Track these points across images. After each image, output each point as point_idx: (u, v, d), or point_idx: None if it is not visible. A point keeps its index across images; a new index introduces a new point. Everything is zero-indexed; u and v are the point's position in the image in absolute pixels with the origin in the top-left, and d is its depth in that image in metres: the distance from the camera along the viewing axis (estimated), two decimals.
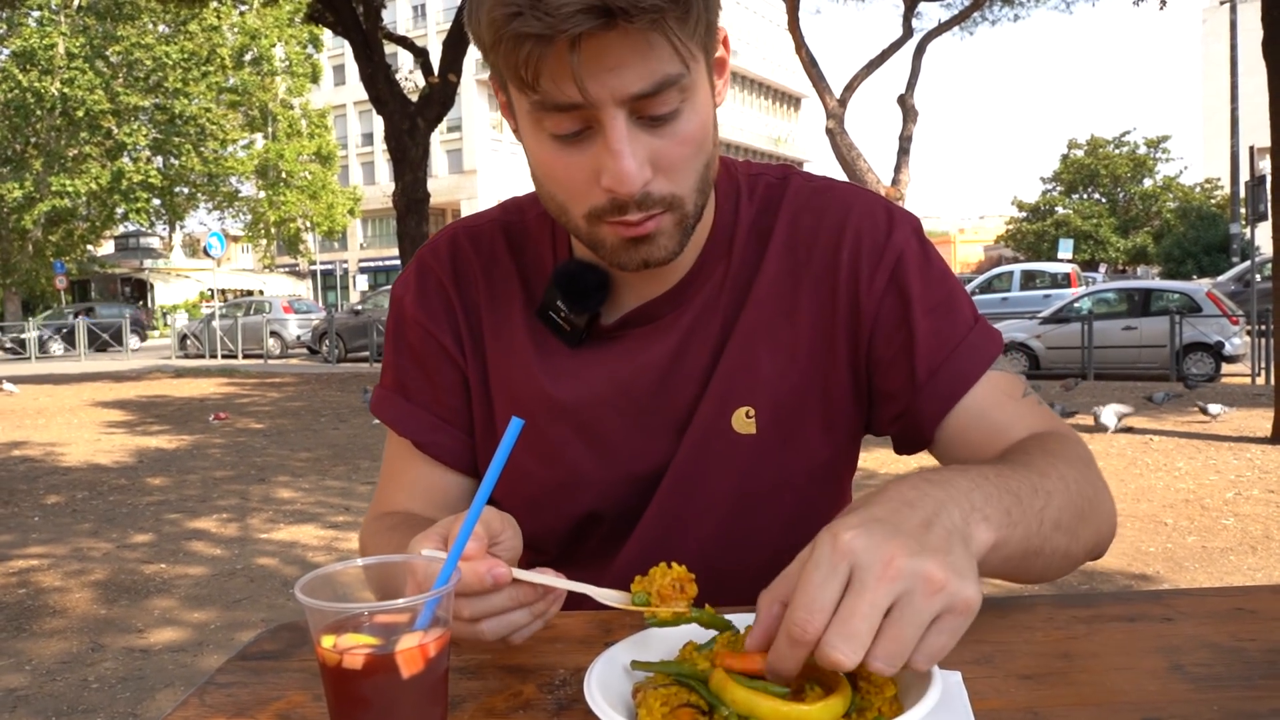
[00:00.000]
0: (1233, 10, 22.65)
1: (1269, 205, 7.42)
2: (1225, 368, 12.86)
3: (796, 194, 1.04)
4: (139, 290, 46.20)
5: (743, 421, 1.00)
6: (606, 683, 0.68)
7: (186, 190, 37.92)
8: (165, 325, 37.22)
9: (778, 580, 0.66)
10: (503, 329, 1.05)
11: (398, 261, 15.76)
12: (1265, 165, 8.20)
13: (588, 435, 1.03)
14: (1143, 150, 48.28)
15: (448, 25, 15.58)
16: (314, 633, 0.64)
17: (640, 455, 1.02)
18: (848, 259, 1.00)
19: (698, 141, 0.88)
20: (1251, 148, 13.24)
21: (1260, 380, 11.61)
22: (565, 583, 0.75)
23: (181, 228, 44.72)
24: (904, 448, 1.05)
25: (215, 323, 24.06)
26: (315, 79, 40.94)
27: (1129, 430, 8.00)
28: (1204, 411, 8.26)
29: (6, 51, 32.16)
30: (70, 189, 33.17)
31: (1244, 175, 16.69)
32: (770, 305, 1.01)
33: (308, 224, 42.08)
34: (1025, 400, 0.99)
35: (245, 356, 23.12)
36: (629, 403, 1.02)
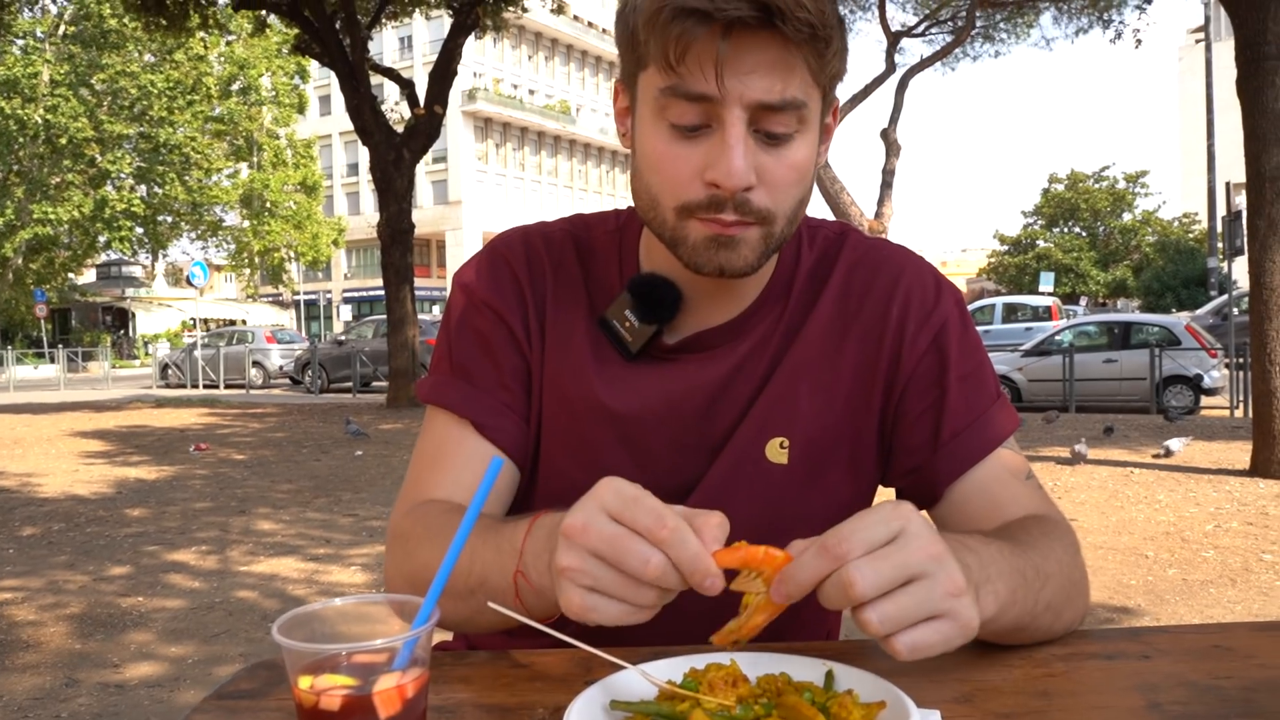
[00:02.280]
0: (1208, 49, 23.03)
1: (1245, 240, 7.50)
2: (1204, 400, 12.96)
3: (854, 248, 1.10)
4: (120, 319, 45.95)
5: (776, 451, 1.04)
6: None
7: (170, 219, 37.88)
8: (147, 354, 37.00)
9: (827, 532, 0.71)
10: (563, 328, 1.07)
11: (381, 292, 15.73)
12: (1241, 201, 8.31)
13: (630, 444, 1.05)
14: (1122, 185, 48.80)
15: (434, 57, 15.67)
16: (291, 673, 0.63)
17: (675, 470, 1.05)
18: (897, 316, 1.05)
19: (801, 173, 0.93)
20: (1228, 183, 13.39)
21: (1239, 413, 11.69)
22: (626, 664, 0.75)
23: (164, 256, 44.59)
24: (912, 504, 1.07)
25: (197, 352, 23.93)
26: (301, 109, 41.06)
27: (1090, 461, 8.04)
28: (1167, 451, 8.31)
29: None
30: (53, 217, 33.08)
31: (1221, 210, 16.89)
32: (817, 346, 1.05)
33: (292, 254, 42.03)
34: (1028, 483, 1.05)
35: (227, 386, 22.98)
36: (675, 420, 1.05)
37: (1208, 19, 23.38)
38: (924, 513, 0.75)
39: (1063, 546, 0.94)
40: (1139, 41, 18.44)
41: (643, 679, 0.73)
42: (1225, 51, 8.42)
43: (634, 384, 1.05)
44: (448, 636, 1.21)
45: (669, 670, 0.75)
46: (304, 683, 0.62)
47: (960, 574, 0.70)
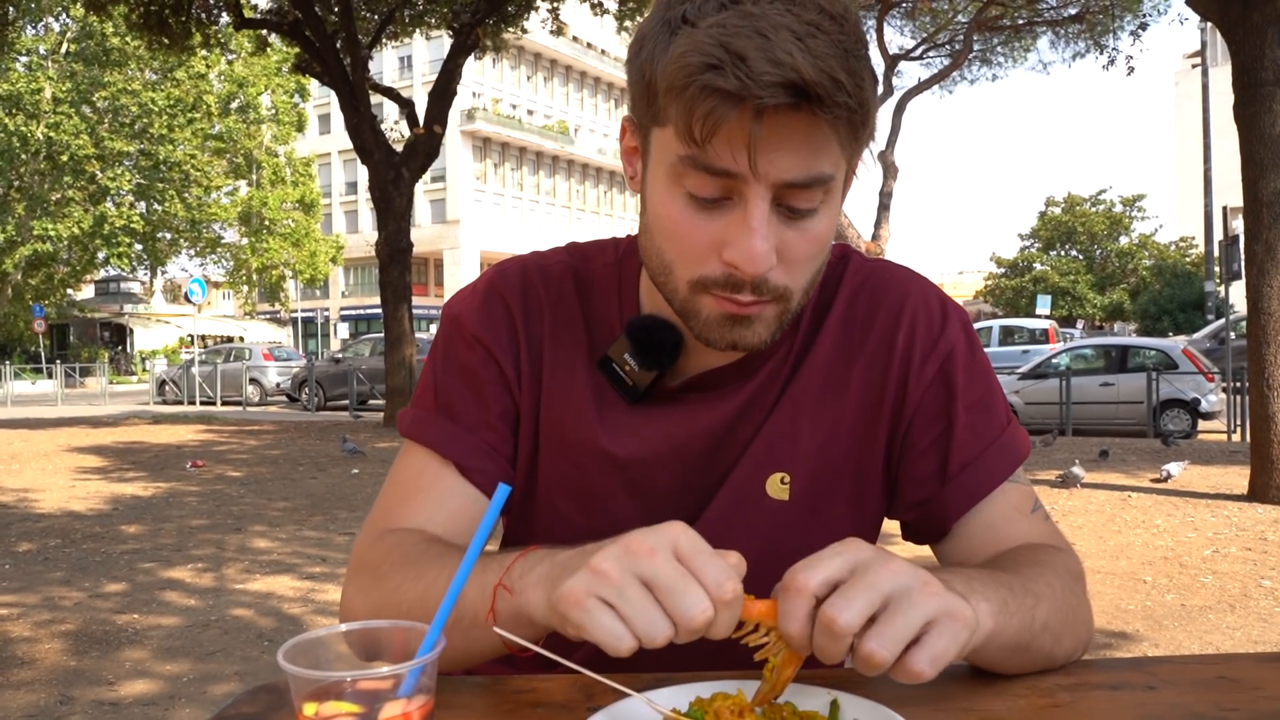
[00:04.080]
0: (1204, 74, 23.16)
1: (1242, 265, 7.53)
2: (1202, 424, 12.97)
3: (856, 273, 1.06)
4: (118, 335, 45.92)
5: (777, 488, 1.01)
6: None
7: (169, 236, 37.93)
8: (144, 371, 36.97)
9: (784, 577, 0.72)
10: (562, 370, 1.03)
11: (379, 310, 15.73)
12: (1238, 225, 8.34)
13: (636, 491, 1.03)
14: (1119, 208, 49.06)
15: (434, 77, 15.74)
16: (295, 700, 0.63)
17: (678, 509, 1.01)
18: (902, 345, 1.02)
19: (822, 244, 0.89)
20: (1225, 207, 13.44)
21: (1236, 437, 11.70)
22: (630, 692, 0.74)
23: (163, 273, 44.64)
24: (917, 537, 1.06)
25: (194, 369, 23.91)
26: (301, 127, 41.21)
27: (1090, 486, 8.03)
28: (1167, 476, 8.30)
29: None
30: (52, 233, 33.12)
31: (1218, 234, 16.95)
32: (820, 378, 1.02)
33: (290, 271, 42.07)
34: (1033, 516, 1.02)
35: (224, 403, 22.96)
36: (681, 463, 1.02)
37: (1204, 44, 23.52)
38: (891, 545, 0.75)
39: (1054, 571, 0.91)
40: (1131, 69, 18.55)
41: (647, 707, 0.73)
42: (1222, 76, 8.48)
43: (638, 429, 1.02)
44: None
45: (674, 698, 0.74)
46: (309, 709, 0.62)
47: (932, 576, 0.70)
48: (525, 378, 1.04)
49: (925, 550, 1.06)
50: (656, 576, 0.68)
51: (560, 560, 0.75)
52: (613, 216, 64.57)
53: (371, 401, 19.99)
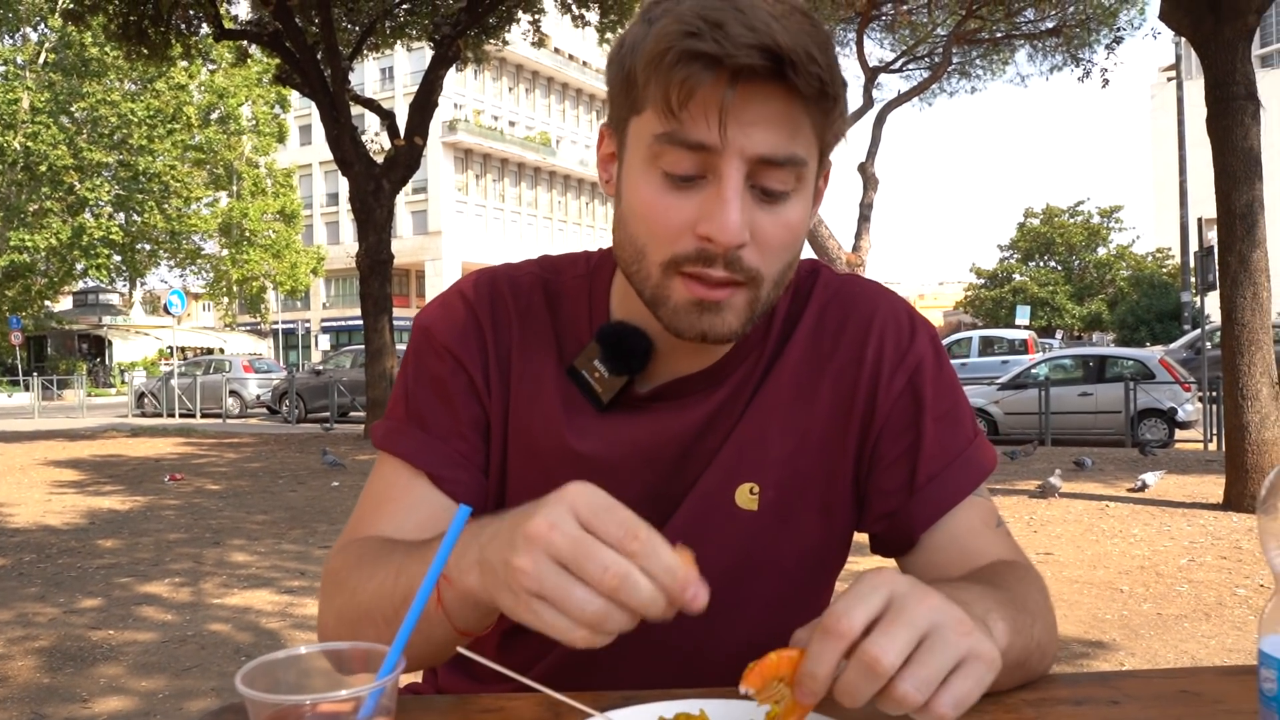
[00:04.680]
0: (1179, 87, 23.42)
1: (1217, 275, 7.60)
2: (1179, 433, 13.07)
3: (825, 286, 1.07)
4: (97, 347, 45.56)
5: (746, 498, 1.01)
6: None
7: (148, 247, 37.69)
8: (123, 383, 36.69)
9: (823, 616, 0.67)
10: (531, 379, 1.03)
11: (360, 322, 15.68)
12: (1213, 236, 8.42)
13: None
14: (1096, 220, 49.44)
15: (414, 88, 15.73)
16: None
17: (648, 517, 1.00)
18: (871, 357, 1.03)
19: (794, 233, 0.90)
20: (1200, 219, 13.59)
21: (1212, 446, 11.80)
22: (593, 712, 0.74)
23: (142, 284, 44.36)
24: (885, 549, 1.07)
25: (174, 381, 23.73)
26: (281, 138, 41.06)
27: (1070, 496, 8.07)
28: (1143, 485, 8.36)
29: None
30: (30, 244, 32.85)
31: (1194, 245, 17.12)
32: (789, 388, 1.02)
33: (270, 283, 41.87)
34: (998, 531, 1.03)
35: (204, 415, 22.80)
36: (649, 470, 1.02)
37: (1179, 58, 23.79)
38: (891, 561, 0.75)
39: (1037, 590, 0.94)
40: (1106, 81, 18.78)
41: None
42: (1196, 89, 8.56)
43: (606, 435, 1.02)
44: (416, 678, 1.20)
45: (636, 718, 0.74)
46: None
47: (963, 612, 0.68)
48: (495, 386, 1.04)
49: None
50: (561, 552, 0.65)
51: (485, 541, 0.73)
52: (594, 228, 64.62)
53: (352, 413, 19.91)
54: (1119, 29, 18.84)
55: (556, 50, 57.64)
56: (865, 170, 19.34)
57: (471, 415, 1.03)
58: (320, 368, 22.22)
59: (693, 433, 1.02)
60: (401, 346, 19.38)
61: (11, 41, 33.44)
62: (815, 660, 0.65)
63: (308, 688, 0.67)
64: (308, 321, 55.06)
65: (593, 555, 0.65)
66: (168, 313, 24.56)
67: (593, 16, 16.49)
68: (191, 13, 14.87)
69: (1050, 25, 19.46)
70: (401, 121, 14.95)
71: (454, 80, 47.03)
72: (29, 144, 32.31)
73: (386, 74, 53.70)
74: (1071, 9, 18.63)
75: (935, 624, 0.65)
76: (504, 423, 1.04)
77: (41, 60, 33.37)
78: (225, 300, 42.50)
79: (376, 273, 14.57)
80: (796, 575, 1.05)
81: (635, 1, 15.55)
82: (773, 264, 0.90)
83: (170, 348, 32.65)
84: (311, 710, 0.63)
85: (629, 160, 0.91)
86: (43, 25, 32.81)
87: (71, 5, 14.19)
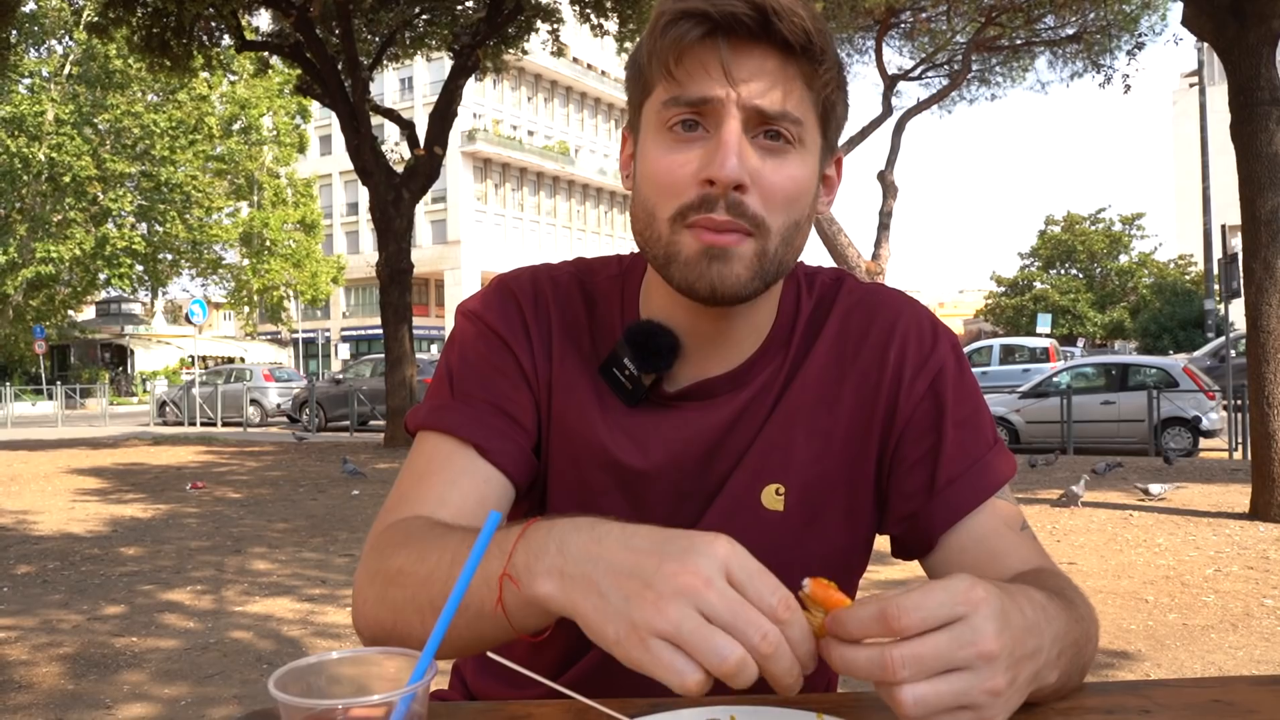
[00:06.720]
0: (1201, 93, 23.29)
1: (1241, 283, 7.54)
2: (1203, 442, 12.95)
3: (850, 293, 1.10)
4: (119, 356, 45.95)
5: (772, 498, 1.03)
6: None
7: (170, 257, 38.02)
8: (145, 392, 36.98)
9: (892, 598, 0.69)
10: (569, 372, 1.06)
11: (380, 331, 15.74)
12: (1237, 243, 8.36)
13: (629, 491, 1.04)
14: (1118, 227, 49.16)
15: (434, 98, 15.82)
16: None
17: (672, 517, 1.03)
18: (894, 361, 1.05)
19: (797, 188, 0.93)
20: (1223, 226, 13.46)
21: (1237, 455, 11.68)
22: (621, 718, 0.74)
23: (164, 294, 44.74)
24: (904, 552, 1.07)
25: (195, 390, 23.91)
26: (302, 148, 41.39)
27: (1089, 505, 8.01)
28: (1145, 492, 8.30)
29: None
30: (54, 254, 33.20)
31: (1217, 252, 17.00)
32: (813, 391, 1.04)
33: (290, 292, 42.15)
34: (1023, 533, 1.03)
35: (225, 424, 22.95)
36: (676, 469, 1.04)
37: (1201, 64, 23.64)
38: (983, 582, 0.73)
39: (1085, 603, 0.93)
40: (1128, 87, 18.66)
41: None
42: (1219, 95, 8.52)
43: (636, 432, 1.04)
44: (444, 684, 1.20)
45: None
46: None
47: (1006, 675, 0.68)
48: (540, 373, 1.06)
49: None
50: (718, 611, 0.66)
51: (573, 554, 0.73)
52: (614, 237, 64.71)
53: (372, 422, 19.97)
54: (1140, 35, 18.75)
55: (575, 60, 57.80)
56: (885, 178, 19.30)
57: (521, 396, 1.04)
58: (340, 377, 22.32)
59: (719, 433, 1.04)
60: (421, 356, 19.52)
61: (37, 54, 33.83)
62: (854, 619, 0.68)
63: (337, 693, 0.67)
64: (328, 331, 55.32)
65: (751, 621, 0.66)
66: (189, 322, 24.80)
67: (611, 26, 16.53)
68: (213, 25, 15.01)
69: (1071, 32, 19.38)
70: (421, 131, 15.03)
71: (473, 90, 47.20)
72: (54, 155, 32.69)
73: (406, 84, 53.99)
74: (1092, 15, 18.54)
75: (974, 668, 0.67)
76: (548, 410, 1.06)
77: (66, 72, 33.76)
78: (246, 310, 42.84)
79: (396, 282, 14.64)
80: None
81: (652, 10, 15.57)
82: (777, 216, 0.92)
83: (191, 357, 32.92)
84: (343, 714, 0.63)
85: (643, 143, 0.96)
86: (67, 38, 33.18)
87: (96, 18, 14.36)
